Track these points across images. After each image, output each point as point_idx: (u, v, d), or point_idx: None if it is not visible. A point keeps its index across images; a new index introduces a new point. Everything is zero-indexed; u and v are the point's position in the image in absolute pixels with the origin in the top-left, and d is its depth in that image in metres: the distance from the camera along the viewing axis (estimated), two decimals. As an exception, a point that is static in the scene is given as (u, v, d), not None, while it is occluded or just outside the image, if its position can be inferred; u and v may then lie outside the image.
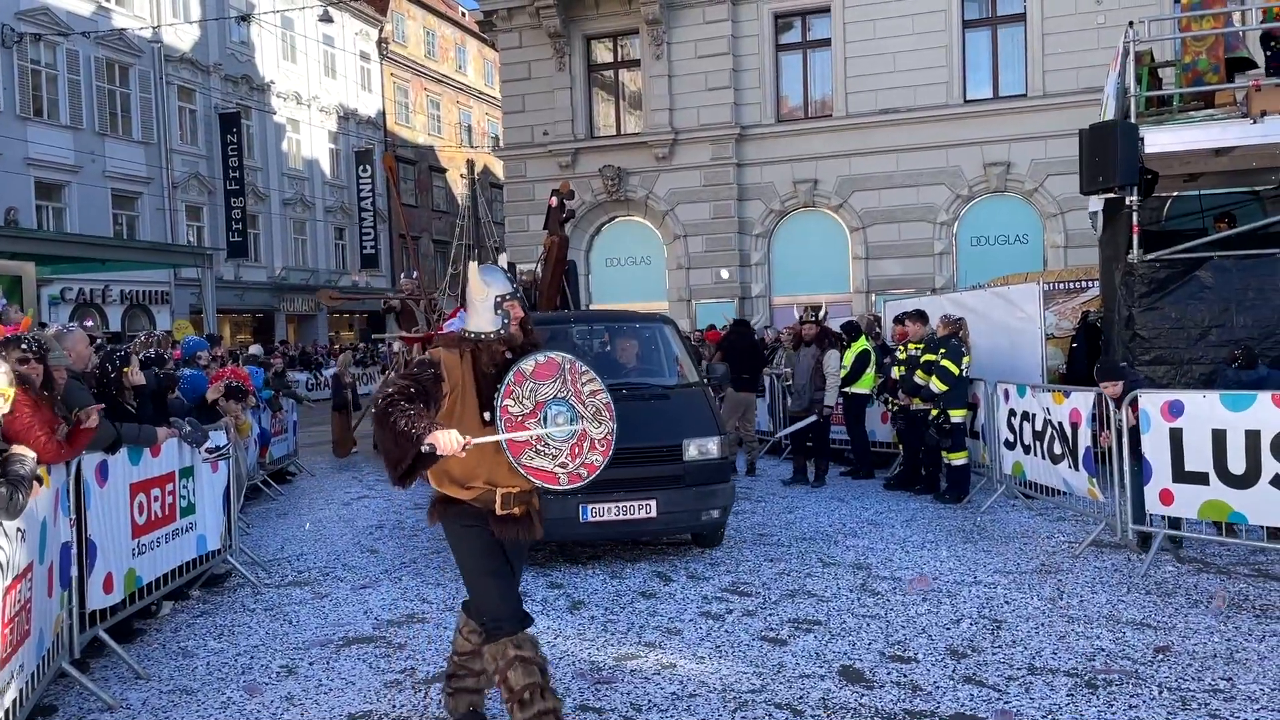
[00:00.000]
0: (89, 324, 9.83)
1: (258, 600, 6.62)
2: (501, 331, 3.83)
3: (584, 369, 3.89)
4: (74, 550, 4.97)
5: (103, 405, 5.18)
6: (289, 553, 8.13)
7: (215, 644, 5.70)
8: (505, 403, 3.69)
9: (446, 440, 3.43)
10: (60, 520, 4.82)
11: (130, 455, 5.68)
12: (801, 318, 11.32)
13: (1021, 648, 5.21)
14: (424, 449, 3.43)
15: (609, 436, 3.88)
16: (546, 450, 3.73)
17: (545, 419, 3.73)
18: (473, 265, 4.14)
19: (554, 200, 12.06)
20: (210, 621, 6.14)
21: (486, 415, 3.77)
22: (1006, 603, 6.08)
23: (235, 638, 5.80)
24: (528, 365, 3.77)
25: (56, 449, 4.62)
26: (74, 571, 4.98)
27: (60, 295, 25.44)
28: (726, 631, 5.65)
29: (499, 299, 3.84)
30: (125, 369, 6.08)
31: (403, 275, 16.91)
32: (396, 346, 14.77)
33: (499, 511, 3.86)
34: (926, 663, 5.04)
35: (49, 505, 4.61)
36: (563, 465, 3.76)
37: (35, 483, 4.14)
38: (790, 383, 11.51)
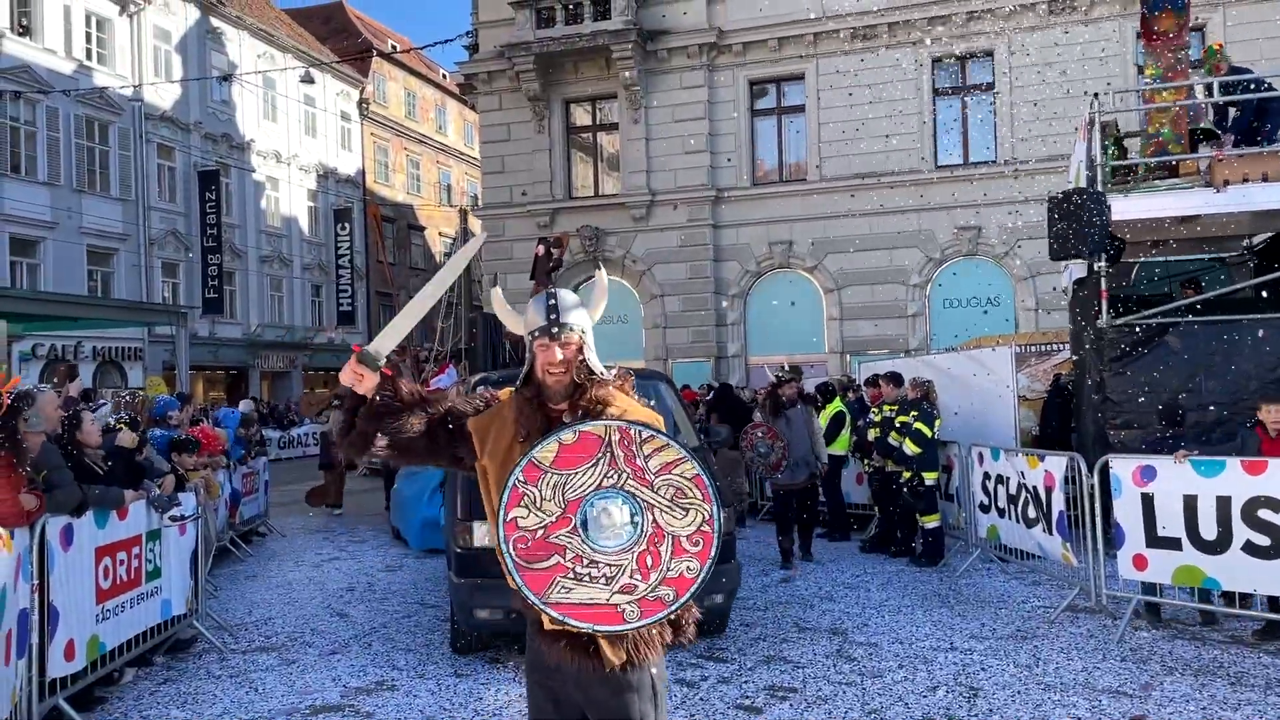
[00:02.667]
0: (72, 382, 9.69)
1: (223, 666, 6.48)
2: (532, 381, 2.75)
3: (644, 432, 2.48)
4: (33, 616, 4.86)
5: (42, 494, 5.08)
6: (256, 617, 7.98)
7: (179, 713, 5.56)
8: (512, 514, 2.43)
9: (346, 371, 2.65)
10: (21, 585, 4.72)
11: (96, 518, 5.59)
12: (780, 377, 10.22)
13: (998, 716, 5.17)
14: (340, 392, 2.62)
15: (706, 529, 2.43)
16: (592, 571, 2.42)
17: (584, 522, 2.43)
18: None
19: (540, 249, 11.95)
20: (174, 689, 6.00)
21: (501, 517, 2.58)
22: (983, 669, 6.04)
23: (199, 706, 5.66)
24: (545, 452, 2.45)
25: (17, 514, 4.54)
26: (34, 638, 4.87)
27: (31, 351, 25.17)
28: (701, 699, 5.57)
29: (531, 335, 2.78)
30: (79, 432, 5.99)
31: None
32: None
33: (545, 625, 2.62)
34: (902, 732, 4.99)
35: (9, 570, 4.52)
36: (626, 591, 2.40)
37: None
38: (773, 455, 9.63)
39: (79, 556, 5.35)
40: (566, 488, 2.41)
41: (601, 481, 2.42)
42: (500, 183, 23.83)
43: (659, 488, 2.42)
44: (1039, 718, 5.13)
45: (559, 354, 2.71)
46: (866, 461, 10.81)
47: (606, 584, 2.38)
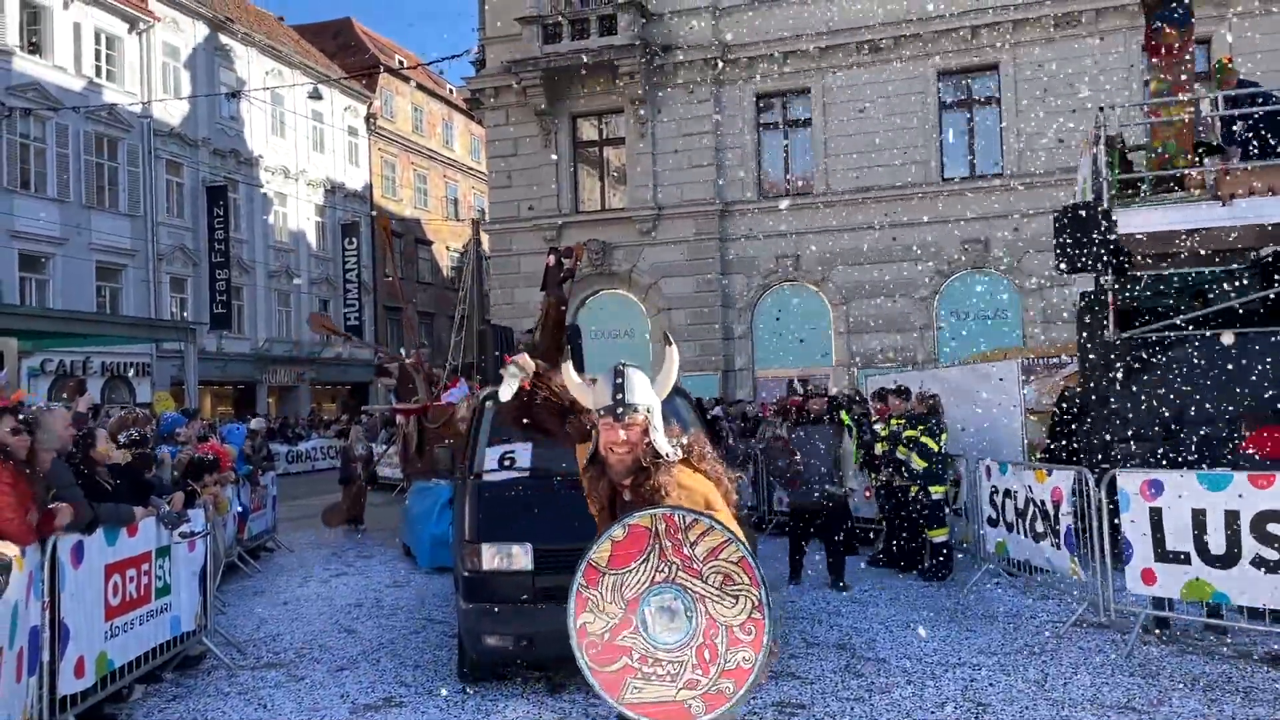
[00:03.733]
0: (82, 397, 9.74)
1: (232, 683, 6.49)
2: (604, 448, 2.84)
3: (688, 517, 2.52)
4: (44, 634, 4.88)
5: (72, 506, 5.12)
6: (265, 633, 7.99)
7: (187, 730, 5.57)
8: (581, 621, 2.48)
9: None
10: (32, 603, 4.74)
11: (106, 535, 5.61)
12: (808, 390, 9.93)
13: (1006, 732, 5.16)
14: None
15: (757, 615, 2.45)
16: (658, 670, 2.45)
17: (644, 622, 2.46)
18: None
19: (551, 259, 11.62)
20: (183, 706, 6.01)
21: (572, 625, 2.57)
22: (991, 685, 6.03)
23: (208, 723, 5.67)
24: (600, 553, 2.51)
25: (24, 530, 4.57)
26: (44, 656, 4.89)
27: (40, 368, 25.28)
28: (709, 716, 5.56)
29: (598, 413, 2.87)
30: (93, 450, 6.04)
31: (405, 349, 16.46)
32: (399, 420, 14.42)
33: None
34: (911, 748, 4.98)
35: (21, 588, 4.55)
36: (690, 687, 2.45)
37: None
38: (788, 469, 9.28)
39: (89, 574, 5.38)
40: (624, 587, 2.47)
41: (654, 577, 2.46)
42: (507, 197, 23.93)
43: (707, 576, 2.45)
44: (1048, 734, 5.11)
45: (622, 435, 2.76)
46: (874, 476, 10.79)
47: (672, 681, 2.43)
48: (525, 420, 3.11)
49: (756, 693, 2.63)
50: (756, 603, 2.45)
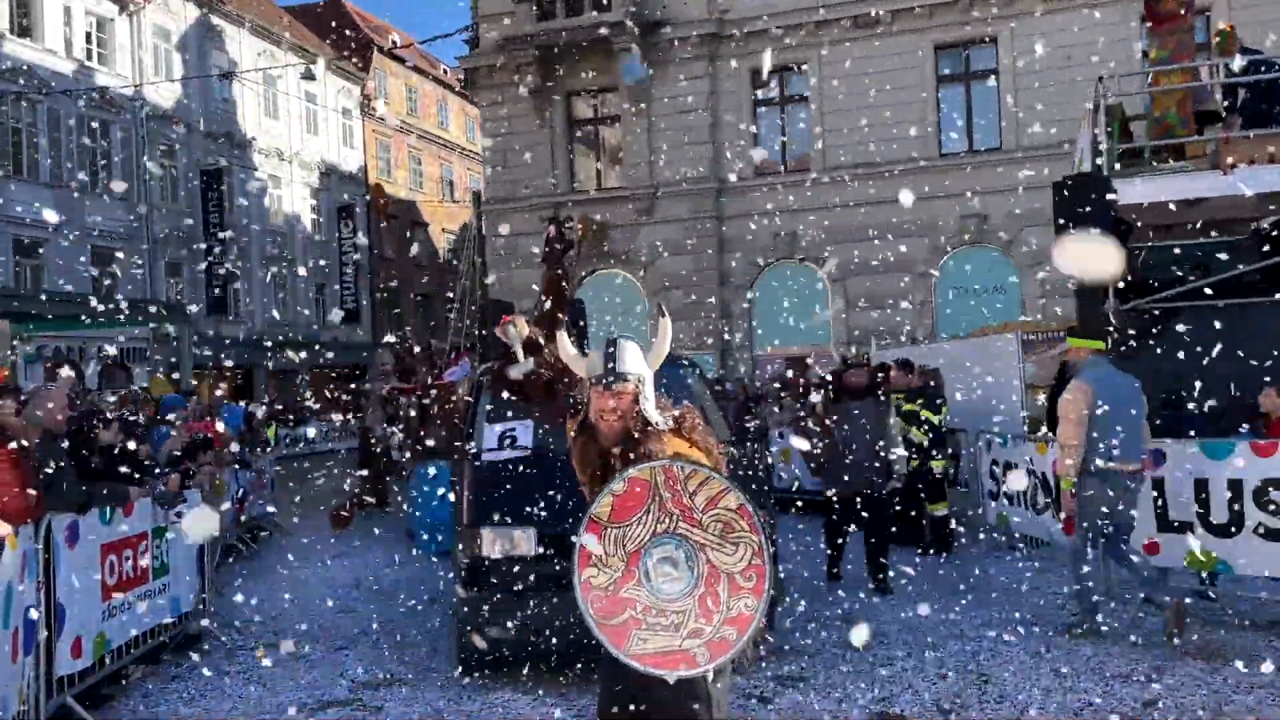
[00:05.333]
0: (64, 373, 9.67)
1: (231, 663, 6.47)
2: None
3: (687, 467, 2.59)
4: (40, 614, 4.85)
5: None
6: (265, 613, 7.96)
7: (187, 710, 5.55)
8: (585, 575, 2.53)
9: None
10: (27, 583, 4.71)
11: (101, 515, 5.57)
12: (849, 360, 8.53)
13: (1009, 703, 5.14)
14: None
15: (756, 561, 2.52)
16: (662, 620, 2.50)
17: (646, 572, 2.51)
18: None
19: (552, 229, 11.34)
20: (182, 686, 5.99)
21: (576, 580, 2.61)
22: (993, 656, 6.01)
23: (207, 703, 5.65)
24: (601, 507, 2.56)
25: (23, 510, 4.54)
26: (41, 636, 4.85)
27: (36, 353, 25.20)
28: (710, 690, 5.54)
29: (590, 381, 2.94)
30: (94, 431, 6.00)
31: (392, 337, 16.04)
32: (400, 400, 14.17)
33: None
34: (914, 718, 4.95)
35: (15, 568, 4.51)
36: (695, 635, 2.49)
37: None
38: (827, 452, 8.09)
39: (85, 554, 5.34)
40: (625, 540, 2.52)
41: (655, 528, 2.51)
42: (503, 177, 23.80)
43: (707, 525, 2.51)
44: (1050, 704, 5.10)
45: (612, 403, 2.84)
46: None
47: (676, 631, 2.47)
48: (517, 391, 3.19)
49: (761, 651, 2.72)
50: (756, 549, 2.51)
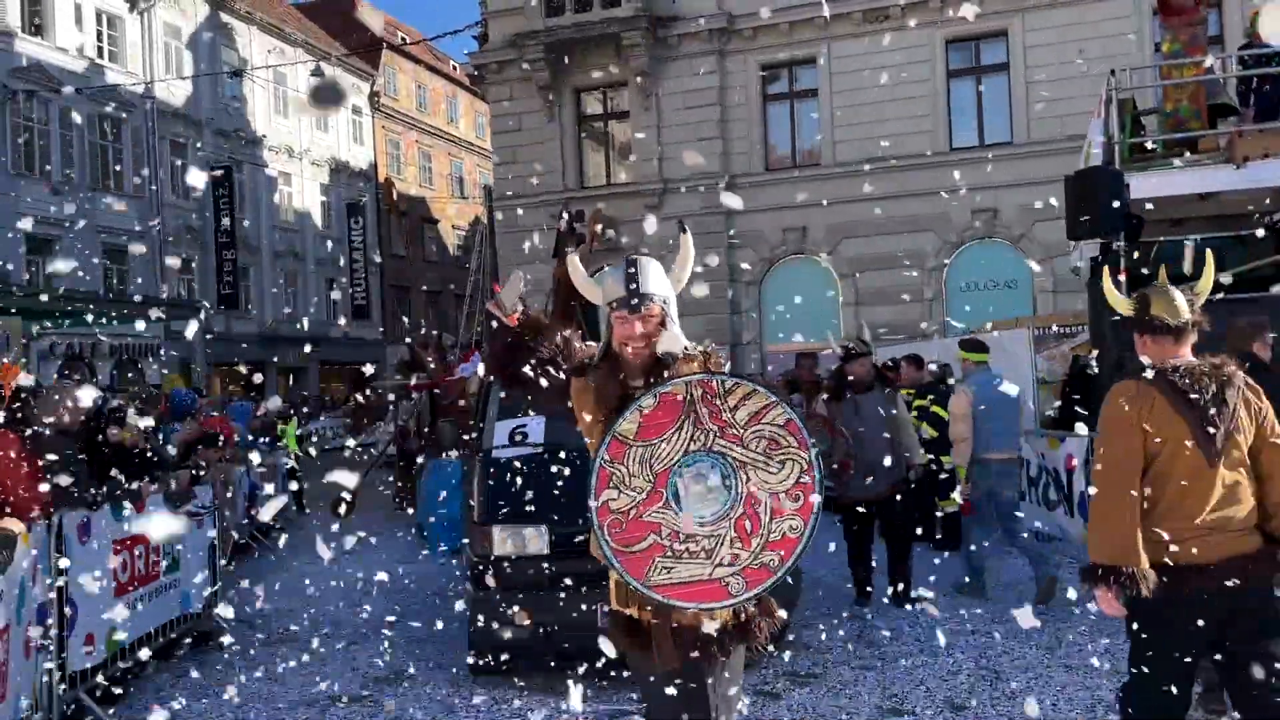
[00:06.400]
0: (77, 377, 9.74)
1: (243, 659, 6.50)
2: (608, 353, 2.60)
3: (728, 381, 2.34)
4: (52, 610, 4.87)
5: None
6: (276, 609, 8.00)
7: (199, 705, 5.57)
8: (603, 498, 2.27)
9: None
10: (40, 579, 4.73)
11: (113, 511, 5.60)
12: (850, 349, 7.53)
13: (1021, 699, 5.12)
14: None
15: (806, 479, 2.28)
16: (690, 546, 2.23)
17: (675, 492, 2.25)
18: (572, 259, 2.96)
19: (563, 224, 11.24)
20: (194, 681, 6.01)
21: (593, 503, 2.33)
22: (1005, 653, 5.99)
23: (220, 698, 5.67)
24: (628, 424, 2.29)
25: (36, 504, 4.56)
26: (54, 631, 4.88)
27: (50, 350, 25.31)
28: (721, 686, 5.54)
29: (610, 306, 2.65)
30: (119, 428, 6.03)
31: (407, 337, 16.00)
32: (412, 396, 14.15)
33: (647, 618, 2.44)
34: (925, 716, 4.95)
35: (28, 564, 4.53)
36: (729, 563, 2.23)
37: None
38: (835, 455, 7.24)
39: (97, 550, 5.36)
40: (653, 460, 2.24)
41: (688, 446, 2.24)
42: (512, 173, 23.78)
43: (749, 442, 2.25)
44: (1061, 700, 5.08)
45: (639, 328, 2.54)
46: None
47: (707, 557, 2.20)
48: (515, 373, 2.81)
49: (785, 635, 2.45)
50: (805, 465, 2.25)
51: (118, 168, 28.78)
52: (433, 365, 13.61)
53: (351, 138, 39.76)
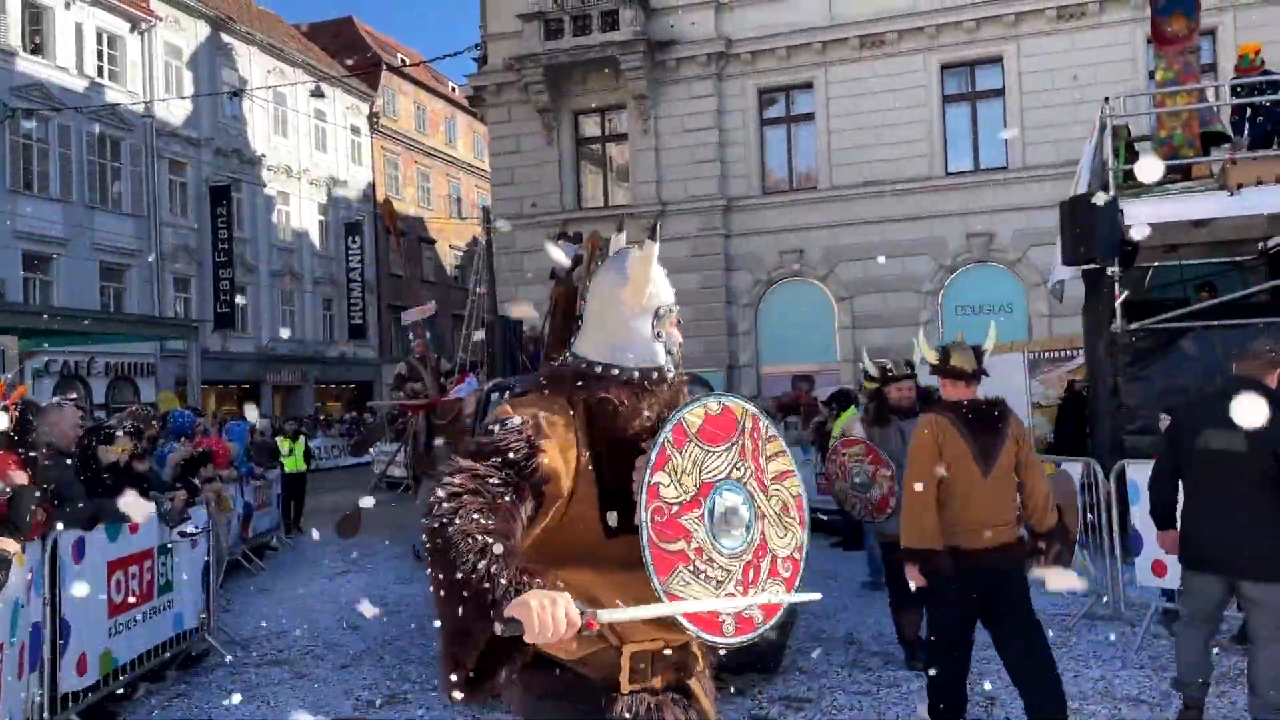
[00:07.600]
0: (72, 396, 9.74)
1: (235, 681, 6.46)
2: (665, 370, 2.35)
3: (768, 428, 2.30)
4: (45, 630, 4.85)
5: (44, 507, 5.04)
6: (269, 630, 7.96)
7: (190, 727, 5.54)
8: (656, 478, 2.09)
9: (545, 618, 1.84)
10: (33, 599, 4.71)
11: (108, 532, 5.58)
12: (888, 371, 6.69)
13: (1016, 725, 5.11)
14: (500, 630, 1.90)
15: (797, 555, 2.28)
16: (709, 569, 2.12)
17: (710, 514, 2.15)
18: (618, 238, 2.81)
19: (560, 245, 11.35)
20: (186, 704, 5.98)
21: (612, 519, 2.17)
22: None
23: (211, 720, 5.64)
24: (693, 415, 2.18)
25: (31, 525, 4.55)
26: (46, 652, 4.86)
27: (45, 368, 25.30)
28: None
29: (660, 310, 2.44)
30: (113, 447, 6.01)
31: (413, 337, 15.81)
32: (408, 415, 14.11)
33: (626, 687, 2.21)
34: (920, 742, 4.93)
35: (22, 584, 4.51)
36: (731, 597, 2.15)
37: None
38: (876, 488, 6.45)
39: (91, 570, 5.35)
40: (704, 466, 2.16)
41: (731, 471, 2.20)
42: (510, 194, 23.87)
43: (771, 496, 2.26)
44: (1058, 727, 5.06)
45: (679, 335, 2.45)
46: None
47: (718, 587, 2.13)
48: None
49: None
50: (798, 545, 2.27)
51: (116, 186, 28.84)
52: (428, 385, 13.56)
53: (350, 158, 39.90)
